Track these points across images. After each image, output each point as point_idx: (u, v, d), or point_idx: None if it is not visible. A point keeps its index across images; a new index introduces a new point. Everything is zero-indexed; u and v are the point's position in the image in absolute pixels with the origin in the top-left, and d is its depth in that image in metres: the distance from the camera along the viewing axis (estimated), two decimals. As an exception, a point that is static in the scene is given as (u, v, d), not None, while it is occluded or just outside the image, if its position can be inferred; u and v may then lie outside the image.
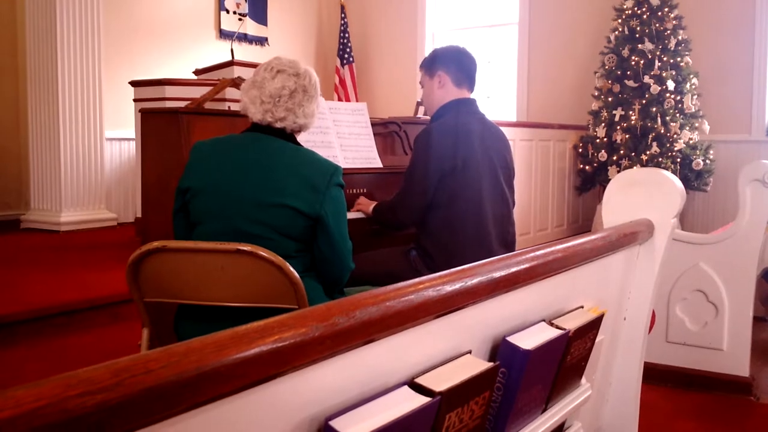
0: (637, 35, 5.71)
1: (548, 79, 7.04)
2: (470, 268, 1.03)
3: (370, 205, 2.68)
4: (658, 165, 5.43)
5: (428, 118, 3.45)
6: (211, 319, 1.74)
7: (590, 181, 6.06)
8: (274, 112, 1.85)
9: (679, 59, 5.65)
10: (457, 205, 2.41)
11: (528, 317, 1.24)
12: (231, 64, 5.01)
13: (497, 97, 7.51)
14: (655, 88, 5.55)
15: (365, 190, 2.95)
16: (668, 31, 5.65)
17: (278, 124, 1.87)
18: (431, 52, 2.67)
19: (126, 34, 6.37)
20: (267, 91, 1.86)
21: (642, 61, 5.65)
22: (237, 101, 1.94)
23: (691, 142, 5.57)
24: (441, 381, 0.91)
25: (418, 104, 4.74)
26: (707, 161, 5.57)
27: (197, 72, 5.39)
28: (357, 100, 7.80)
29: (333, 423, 0.77)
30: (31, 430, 0.49)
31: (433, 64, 2.59)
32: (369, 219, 2.71)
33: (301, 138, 1.98)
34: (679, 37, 5.68)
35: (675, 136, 5.50)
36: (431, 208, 2.43)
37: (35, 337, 3.10)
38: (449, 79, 2.55)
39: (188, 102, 3.01)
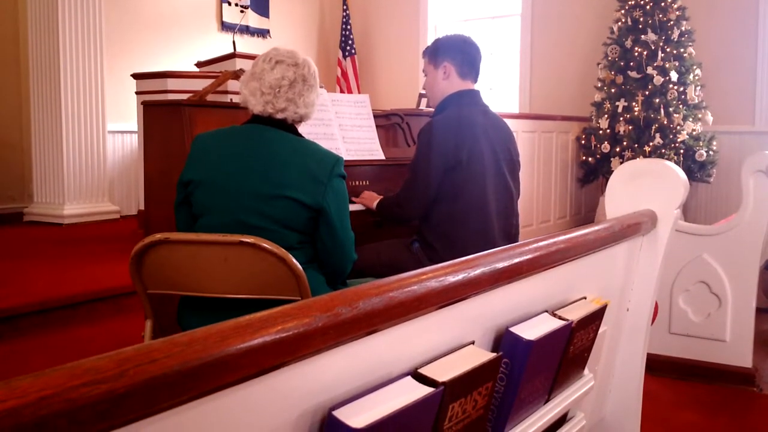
0: (640, 26, 5.68)
1: (551, 70, 7.02)
2: (473, 258, 1.03)
3: (374, 201, 2.67)
4: (661, 156, 5.41)
5: (430, 110, 3.44)
6: (214, 311, 1.75)
7: (593, 173, 6.04)
8: (275, 103, 1.85)
9: (682, 50, 5.63)
10: (461, 199, 2.40)
11: (531, 308, 1.24)
12: (233, 56, 4.99)
13: (500, 89, 7.49)
14: (658, 79, 5.53)
15: (367, 182, 2.95)
16: (671, 22, 5.62)
17: (279, 115, 1.86)
18: (436, 39, 2.63)
19: (128, 27, 6.36)
20: (266, 82, 1.85)
21: (645, 52, 5.63)
22: (239, 93, 1.94)
23: (694, 133, 5.55)
24: (444, 371, 0.91)
25: (421, 96, 4.73)
26: (710, 152, 5.55)
27: (199, 64, 5.38)
28: (359, 92, 7.78)
29: (336, 413, 0.77)
30: (36, 419, 0.49)
31: (438, 53, 2.56)
32: (371, 210, 2.71)
33: (303, 130, 1.98)
34: (682, 28, 5.65)
35: (678, 127, 5.49)
36: (435, 202, 2.43)
37: (39, 329, 3.11)
38: (454, 70, 2.53)
39: (190, 94, 3.01)
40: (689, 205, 6.07)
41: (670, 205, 1.73)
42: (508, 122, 2.67)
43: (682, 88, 5.57)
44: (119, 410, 0.54)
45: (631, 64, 5.70)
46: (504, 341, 1.13)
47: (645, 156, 5.47)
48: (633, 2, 5.75)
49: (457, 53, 2.52)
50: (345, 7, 8.00)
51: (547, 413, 1.25)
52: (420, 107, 4.51)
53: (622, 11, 5.83)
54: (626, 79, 5.73)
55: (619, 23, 5.84)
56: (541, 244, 1.20)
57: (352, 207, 2.51)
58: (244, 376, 0.67)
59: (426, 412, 0.85)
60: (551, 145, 5.88)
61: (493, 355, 0.99)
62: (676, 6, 5.65)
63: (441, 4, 7.83)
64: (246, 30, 7.34)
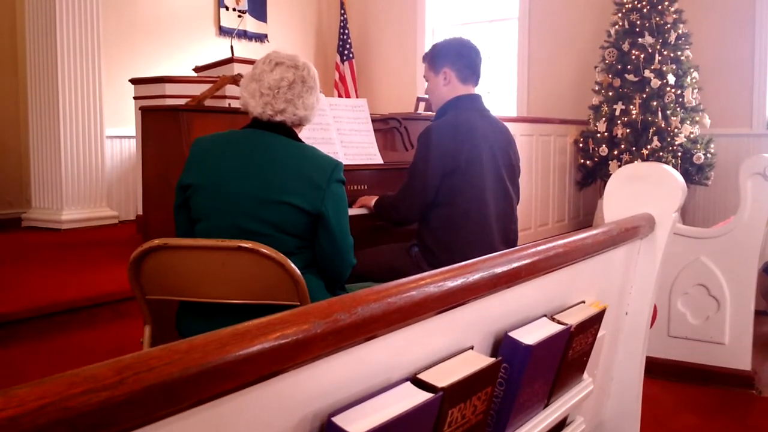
0: (638, 29, 5.70)
1: (548, 73, 7.03)
2: (472, 263, 1.03)
3: (372, 200, 2.68)
4: (658, 159, 5.42)
5: (429, 113, 3.44)
6: (213, 316, 1.74)
7: (591, 176, 6.05)
8: (274, 104, 1.85)
9: (679, 53, 5.64)
10: (459, 204, 2.40)
11: (530, 312, 1.24)
12: (231, 61, 5.00)
13: (497, 93, 7.50)
14: (655, 82, 5.54)
15: (366, 187, 2.95)
16: (668, 25, 5.64)
17: (278, 117, 1.86)
18: (435, 44, 2.63)
19: (126, 31, 6.37)
20: (266, 83, 1.85)
21: (642, 55, 5.64)
22: (237, 98, 1.94)
23: (691, 136, 5.56)
24: (443, 377, 0.91)
25: (419, 100, 4.74)
26: (708, 155, 5.56)
27: (197, 69, 5.39)
28: (357, 97, 7.79)
29: (336, 419, 0.77)
30: (35, 428, 0.49)
31: (438, 59, 2.55)
32: (371, 215, 2.71)
33: (301, 134, 1.98)
34: (680, 31, 5.67)
35: (676, 130, 5.50)
36: (434, 206, 2.43)
37: (37, 335, 3.10)
38: (455, 75, 2.53)
39: (188, 99, 3.00)
40: (687, 207, 6.08)
41: (668, 208, 1.73)
42: (506, 126, 2.67)
43: (679, 91, 5.59)
44: (118, 418, 0.54)
45: (629, 67, 5.71)
46: (503, 346, 1.13)
47: (643, 159, 5.48)
48: (630, 5, 5.77)
49: (457, 58, 2.53)
50: (343, 11, 8.01)
51: (547, 418, 1.25)
52: (418, 111, 4.51)
53: (619, 14, 5.85)
54: (624, 83, 5.74)
55: (616, 26, 5.86)
56: (539, 248, 1.20)
57: (352, 211, 2.51)
58: (244, 383, 0.67)
59: (425, 418, 0.85)
60: (549, 149, 5.89)
61: (492, 360, 0.99)
62: (672, 9, 5.66)
63: (438, 8, 7.84)
64: (244, 35, 7.34)
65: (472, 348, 1.06)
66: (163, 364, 0.59)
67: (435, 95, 2.60)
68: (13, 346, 2.98)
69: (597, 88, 6.01)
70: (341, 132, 2.96)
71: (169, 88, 4.81)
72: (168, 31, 6.72)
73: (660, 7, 5.65)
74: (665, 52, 5.60)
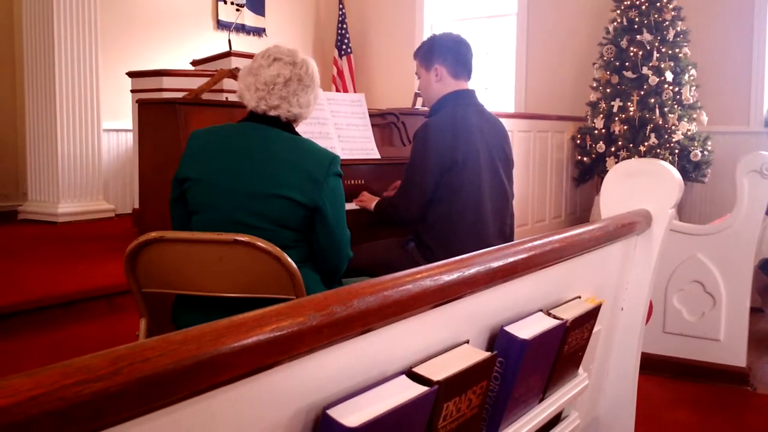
0: (636, 26, 5.69)
1: (547, 70, 7.03)
2: (468, 257, 1.03)
3: (373, 202, 2.67)
4: (656, 156, 5.42)
5: (426, 109, 3.44)
6: (209, 310, 1.74)
7: (588, 173, 6.05)
8: (268, 100, 1.84)
9: (677, 50, 5.64)
10: (457, 200, 2.40)
11: (526, 307, 1.24)
12: (228, 55, 4.99)
13: (496, 88, 7.50)
14: (653, 79, 5.54)
15: (363, 182, 2.95)
16: (667, 22, 5.64)
17: (272, 112, 1.86)
18: (425, 41, 2.63)
19: (123, 25, 6.35)
20: (261, 79, 1.85)
21: (640, 52, 5.64)
22: (234, 92, 1.94)
23: (689, 133, 5.57)
24: (439, 370, 0.91)
25: (416, 95, 4.72)
26: (705, 152, 5.57)
27: (194, 63, 5.37)
28: (355, 91, 7.78)
29: (331, 412, 0.77)
30: (28, 418, 0.49)
31: (429, 56, 2.55)
32: (368, 211, 2.71)
33: (298, 129, 1.98)
34: (678, 28, 5.67)
35: (673, 127, 5.50)
36: (431, 202, 2.42)
37: (33, 328, 3.10)
38: (446, 71, 2.52)
39: (186, 93, 3.00)
40: (684, 204, 6.09)
41: (665, 204, 1.73)
42: (504, 122, 2.66)
43: (677, 89, 5.59)
44: (112, 409, 0.54)
45: (627, 64, 5.71)
46: (498, 340, 1.12)
47: (640, 156, 5.48)
48: (628, 2, 5.76)
49: (448, 54, 2.52)
50: (341, 6, 7.99)
51: (542, 412, 1.26)
52: (416, 106, 4.50)
53: (618, 11, 5.85)
54: (621, 79, 5.74)
55: (615, 23, 5.86)
56: (535, 243, 1.20)
57: (350, 206, 2.51)
58: (238, 374, 0.66)
59: (420, 411, 0.85)
60: (546, 145, 5.89)
61: (488, 354, 0.99)
62: (671, 6, 5.66)
63: (437, 3, 7.82)
64: (242, 28, 7.32)
65: (467, 342, 1.06)
66: (158, 355, 0.58)
67: (427, 91, 2.60)
68: (8, 339, 2.98)
69: (595, 85, 6.01)
70: (339, 126, 2.96)
71: (167, 82, 4.80)
72: (166, 24, 6.70)
73: (658, 4, 5.65)
74: (663, 50, 5.60)
